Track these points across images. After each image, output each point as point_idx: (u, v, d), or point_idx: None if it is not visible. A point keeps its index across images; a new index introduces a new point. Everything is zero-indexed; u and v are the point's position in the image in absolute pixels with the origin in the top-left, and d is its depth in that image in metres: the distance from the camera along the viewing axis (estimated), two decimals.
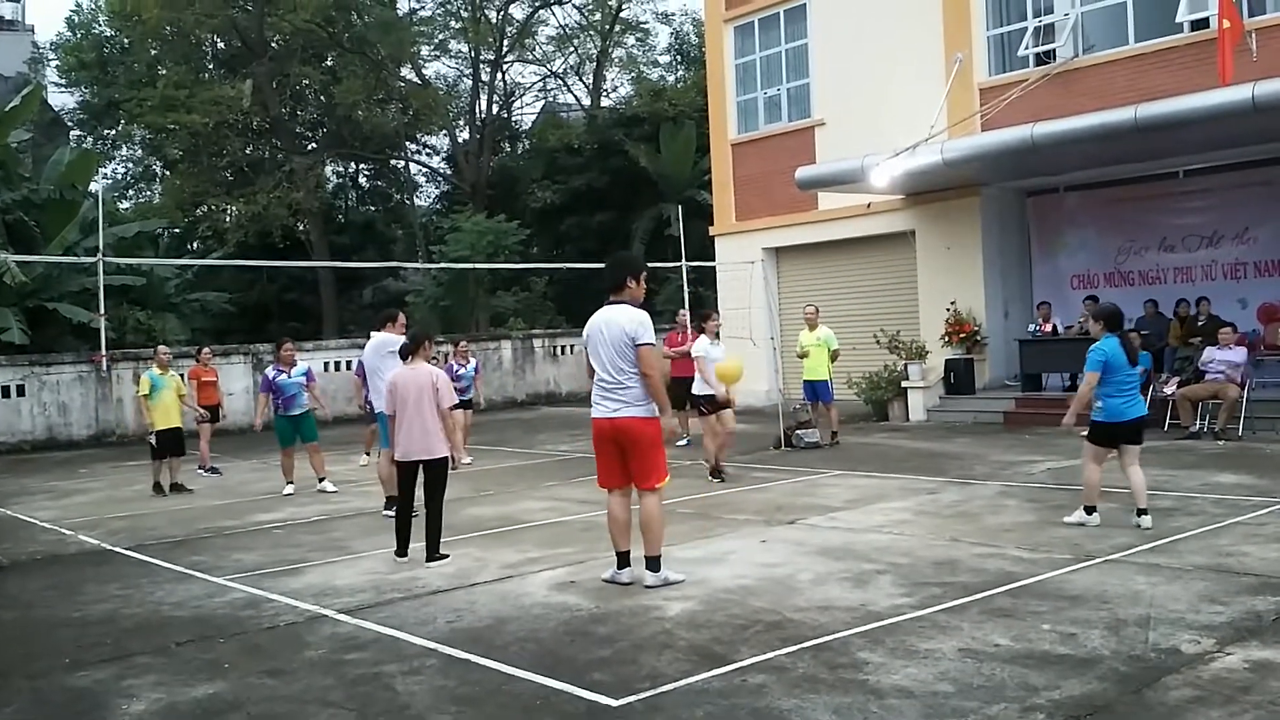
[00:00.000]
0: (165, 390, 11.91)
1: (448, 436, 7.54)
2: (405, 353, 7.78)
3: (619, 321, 6.31)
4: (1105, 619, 5.30)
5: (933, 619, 5.43)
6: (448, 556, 7.34)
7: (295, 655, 5.36)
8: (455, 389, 12.99)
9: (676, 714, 4.30)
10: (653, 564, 6.40)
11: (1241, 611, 5.34)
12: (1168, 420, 12.88)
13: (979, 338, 16.49)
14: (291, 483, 11.39)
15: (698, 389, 11.01)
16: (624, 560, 6.46)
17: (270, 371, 11.45)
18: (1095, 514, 7.63)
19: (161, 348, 13.14)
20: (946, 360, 16.30)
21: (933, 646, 4.97)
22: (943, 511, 8.58)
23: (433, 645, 5.38)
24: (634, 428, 6.29)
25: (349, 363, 20.12)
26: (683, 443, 13.87)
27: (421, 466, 7.44)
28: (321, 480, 11.39)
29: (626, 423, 6.28)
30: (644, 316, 6.35)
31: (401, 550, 7.46)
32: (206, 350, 14.87)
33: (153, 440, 11.84)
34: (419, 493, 7.53)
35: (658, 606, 5.89)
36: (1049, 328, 15.55)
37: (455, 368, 13.71)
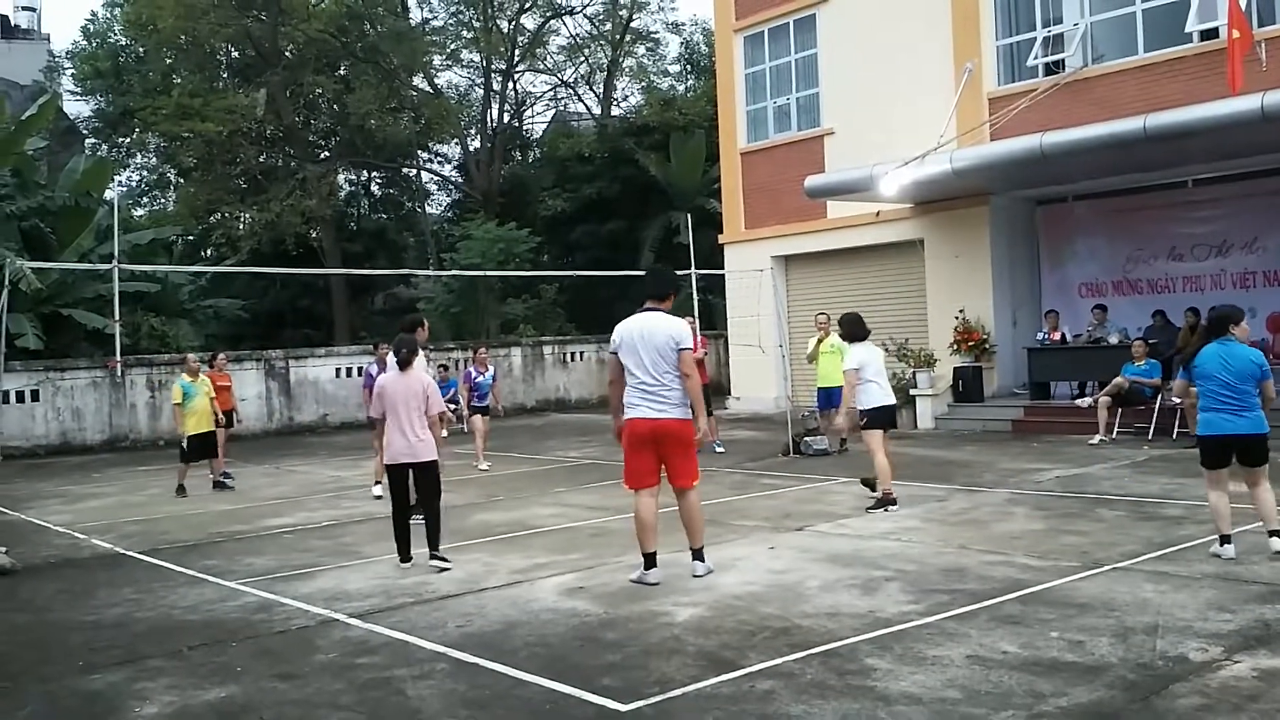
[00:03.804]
0: (197, 397, 12.24)
1: (436, 442, 7.56)
2: (402, 362, 7.75)
3: (663, 328, 6.54)
4: (1113, 627, 5.30)
5: (941, 626, 5.45)
6: (450, 562, 7.36)
7: (306, 659, 5.40)
8: (474, 396, 13.38)
9: (685, 719, 4.33)
10: (699, 554, 6.65)
11: (1250, 620, 5.34)
12: (1176, 429, 12.86)
13: (987, 346, 16.50)
14: (380, 483, 10.75)
15: (864, 404, 9.10)
16: (651, 561, 6.55)
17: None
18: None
19: (191, 355, 13.63)
20: (955, 368, 16.29)
21: (941, 653, 4.99)
22: (950, 519, 8.58)
23: (443, 650, 5.42)
24: (675, 428, 6.50)
25: (359, 368, 20.28)
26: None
27: (412, 472, 7.47)
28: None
29: (669, 424, 6.48)
30: (685, 324, 6.67)
31: (404, 556, 7.49)
32: (222, 356, 14.94)
33: (184, 445, 12.19)
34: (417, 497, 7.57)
35: (666, 612, 5.91)
36: (1057, 336, 15.54)
37: (474, 375, 13.73)
